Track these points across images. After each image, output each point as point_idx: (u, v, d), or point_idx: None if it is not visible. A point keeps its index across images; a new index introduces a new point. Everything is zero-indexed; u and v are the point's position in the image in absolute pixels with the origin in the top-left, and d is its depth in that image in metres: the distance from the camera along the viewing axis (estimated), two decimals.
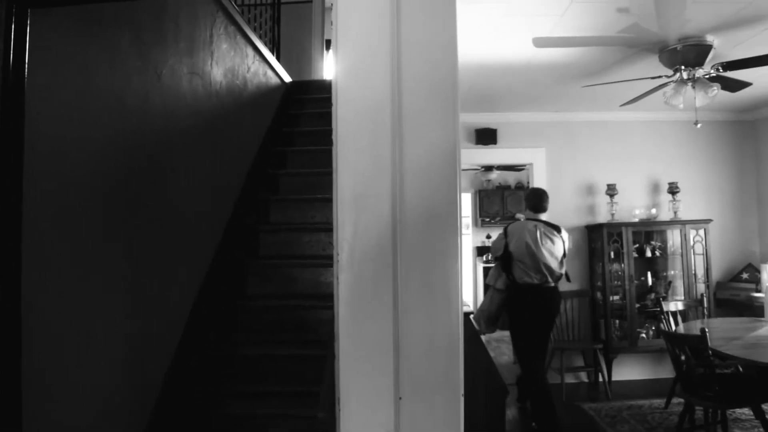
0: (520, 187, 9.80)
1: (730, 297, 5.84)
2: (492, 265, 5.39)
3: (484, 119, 5.91)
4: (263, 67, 4.12)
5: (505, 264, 4.32)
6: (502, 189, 9.81)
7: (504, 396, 2.52)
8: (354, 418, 1.22)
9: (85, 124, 1.97)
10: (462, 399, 1.23)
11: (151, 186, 2.45)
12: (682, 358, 3.72)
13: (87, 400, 1.98)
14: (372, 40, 1.21)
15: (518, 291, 4.26)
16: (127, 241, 2.26)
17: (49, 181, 1.78)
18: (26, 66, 1.57)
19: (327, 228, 3.50)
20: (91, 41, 1.98)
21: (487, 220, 9.63)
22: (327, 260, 3.33)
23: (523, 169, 9.10)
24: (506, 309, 4.43)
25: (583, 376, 5.84)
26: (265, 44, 4.25)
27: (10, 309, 1.55)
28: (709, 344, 3.46)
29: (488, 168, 8.96)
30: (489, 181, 9.59)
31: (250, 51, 3.81)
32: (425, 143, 1.21)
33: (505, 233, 4.42)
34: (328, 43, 6.97)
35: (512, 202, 9.59)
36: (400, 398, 1.21)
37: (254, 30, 3.98)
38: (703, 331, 3.43)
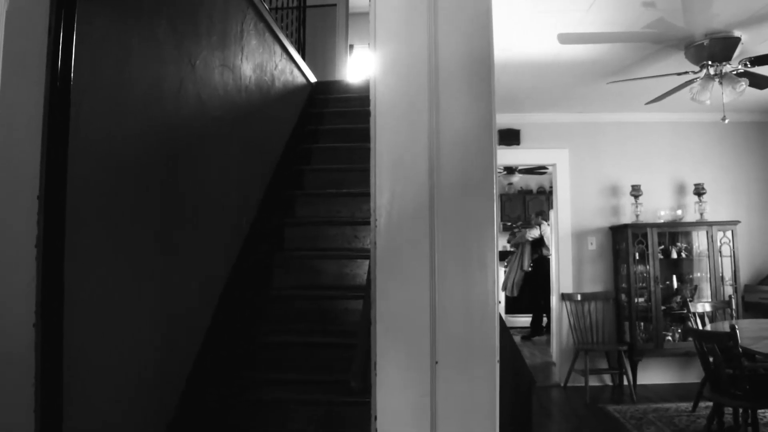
0: (541, 191, 9.74)
1: (758, 300, 5.72)
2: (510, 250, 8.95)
3: (508, 119, 5.92)
4: (290, 66, 4.19)
5: (539, 244, 8.32)
6: (524, 193, 9.77)
7: (531, 386, 2.51)
8: (390, 382, 1.23)
9: (122, 109, 2.03)
10: (498, 365, 1.23)
11: (183, 174, 2.51)
12: (711, 359, 3.66)
13: (123, 380, 2.03)
14: (410, 9, 1.24)
15: (543, 259, 8.15)
16: (160, 228, 2.32)
17: (88, 165, 1.83)
18: (73, 51, 1.64)
19: (351, 222, 3.54)
20: (130, 28, 2.04)
21: (509, 224, 9.57)
22: (351, 252, 3.36)
23: (545, 173, 9.05)
24: (536, 272, 8.21)
25: (607, 379, 5.77)
26: (292, 44, 4.32)
27: (54, 292, 1.59)
28: (739, 342, 3.40)
29: (510, 171, 8.93)
30: (511, 184, 9.55)
31: (277, 49, 3.88)
32: (461, 110, 1.23)
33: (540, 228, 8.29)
34: (351, 48, 7.05)
35: (534, 206, 9.54)
36: (437, 362, 1.22)
37: (281, 29, 4.06)
38: (733, 327, 3.38)
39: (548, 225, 8.31)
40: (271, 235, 3.50)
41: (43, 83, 1.55)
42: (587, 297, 5.76)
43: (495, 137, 1.23)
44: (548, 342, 7.74)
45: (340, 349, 2.71)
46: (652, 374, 5.69)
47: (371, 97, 1.27)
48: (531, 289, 8.34)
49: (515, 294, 8.32)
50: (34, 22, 1.54)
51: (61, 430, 1.59)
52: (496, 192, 1.23)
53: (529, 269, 8.27)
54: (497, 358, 1.22)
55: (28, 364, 1.48)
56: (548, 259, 7.98)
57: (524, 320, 8.71)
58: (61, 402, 1.60)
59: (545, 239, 8.23)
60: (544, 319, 8.22)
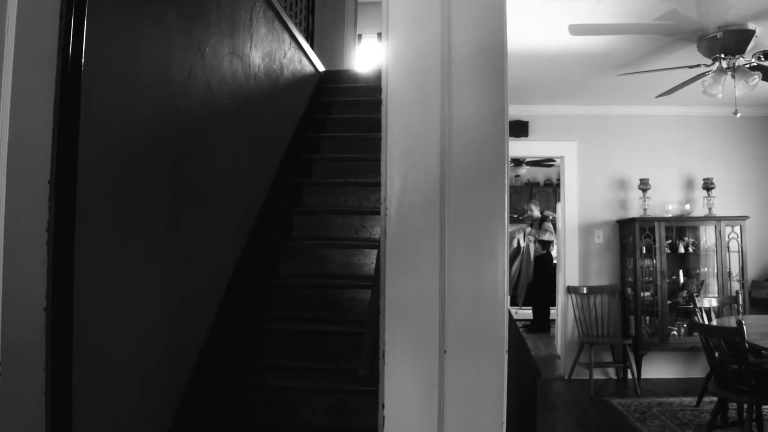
0: (549, 184, 9.71)
1: (766, 296, 5.70)
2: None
3: (516, 111, 5.89)
4: (299, 55, 4.17)
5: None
6: (531, 185, 9.74)
7: (536, 377, 2.51)
8: (398, 370, 1.23)
9: (132, 95, 2.03)
10: (506, 355, 1.23)
11: (192, 161, 2.52)
12: (716, 354, 3.65)
13: (132, 364, 2.05)
14: None
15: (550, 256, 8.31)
16: (169, 214, 2.32)
17: (98, 151, 1.84)
18: (84, 37, 1.64)
19: (359, 211, 3.54)
20: (140, 14, 2.04)
21: (515, 216, 9.53)
22: (359, 242, 3.36)
23: (552, 165, 9.02)
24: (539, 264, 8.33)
25: (612, 373, 5.77)
26: (301, 32, 4.30)
27: (64, 276, 1.60)
28: (746, 337, 3.39)
29: (518, 163, 8.90)
30: (518, 176, 9.53)
31: (286, 37, 3.87)
32: (473, 99, 1.22)
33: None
34: (360, 37, 7.02)
35: (541, 198, 9.51)
36: (445, 352, 1.22)
37: (290, 18, 4.04)
38: (739, 323, 3.37)
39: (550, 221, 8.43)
40: (279, 223, 3.51)
41: (55, 69, 1.55)
42: (593, 290, 5.75)
43: (506, 127, 1.22)
44: (552, 334, 7.74)
45: (348, 337, 2.72)
46: (657, 368, 5.69)
47: (383, 85, 1.26)
48: (533, 281, 8.37)
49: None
50: (46, 7, 1.53)
51: (71, 413, 1.60)
52: (507, 182, 1.22)
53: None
54: (506, 348, 1.22)
55: (39, 348, 1.50)
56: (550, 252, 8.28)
57: (524, 312, 8.68)
58: (71, 385, 1.61)
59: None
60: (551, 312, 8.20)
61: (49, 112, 1.54)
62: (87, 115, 1.68)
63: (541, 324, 8.21)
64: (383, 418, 1.18)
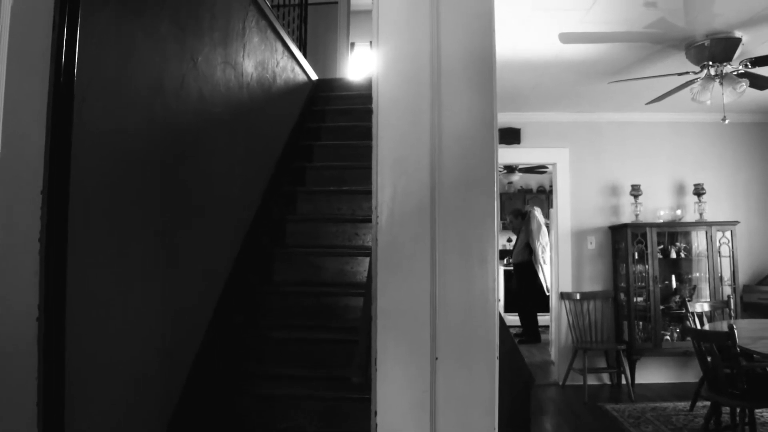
0: (542, 190, 9.75)
1: (757, 300, 5.74)
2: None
3: (508, 118, 5.93)
4: (291, 63, 4.19)
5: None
6: (524, 192, 9.78)
7: (530, 384, 2.52)
8: (390, 377, 1.23)
9: (125, 104, 2.04)
10: (497, 361, 1.24)
11: (185, 169, 2.52)
12: (708, 359, 3.67)
13: (125, 373, 2.04)
14: (413, 7, 1.25)
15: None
16: (162, 222, 2.33)
17: (91, 159, 1.84)
18: (77, 46, 1.65)
19: (352, 219, 3.55)
20: (133, 23, 2.05)
21: (505, 222, 9.56)
22: (352, 249, 3.37)
23: (545, 172, 9.06)
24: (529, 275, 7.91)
25: (606, 378, 5.78)
26: (293, 41, 4.33)
27: (57, 286, 1.60)
28: (737, 341, 3.41)
29: (510, 170, 8.93)
30: (511, 183, 9.56)
31: (279, 46, 3.89)
32: (463, 108, 1.24)
33: None
34: (353, 45, 7.06)
35: (534, 205, 9.54)
36: (437, 358, 1.22)
37: (283, 27, 4.06)
38: (731, 327, 3.39)
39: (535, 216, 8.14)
40: (273, 230, 3.51)
41: (48, 78, 1.56)
42: (586, 296, 5.77)
43: (496, 135, 1.23)
44: (544, 341, 7.74)
45: (341, 344, 2.72)
46: (651, 373, 5.71)
47: (374, 94, 1.27)
48: (520, 287, 8.07)
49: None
50: (39, 17, 1.54)
51: (64, 423, 1.60)
52: (496, 189, 1.24)
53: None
54: (497, 354, 1.23)
55: (31, 358, 1.50)
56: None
57: (511, 319, 8.62)
58: (64, 395, 1.61)
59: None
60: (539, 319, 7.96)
61: (42, 121, 1.55)
62: (80, 124, 1.69)
63: (532, 334, 7.98)
64: (376, 425, 1.19)
